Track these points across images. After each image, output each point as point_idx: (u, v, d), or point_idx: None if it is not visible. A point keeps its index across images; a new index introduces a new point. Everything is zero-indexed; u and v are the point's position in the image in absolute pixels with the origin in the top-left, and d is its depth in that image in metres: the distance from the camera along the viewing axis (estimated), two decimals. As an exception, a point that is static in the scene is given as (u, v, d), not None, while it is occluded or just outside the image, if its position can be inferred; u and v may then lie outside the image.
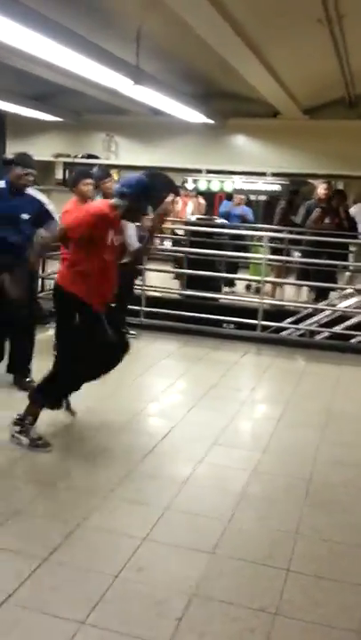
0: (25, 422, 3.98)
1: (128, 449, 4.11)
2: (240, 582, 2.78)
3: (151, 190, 3.87)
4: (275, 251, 8.81)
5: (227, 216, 10.64)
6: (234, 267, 10.71)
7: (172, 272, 11.16)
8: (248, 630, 2.47)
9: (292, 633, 2.47)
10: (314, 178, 14.02)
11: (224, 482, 3.78)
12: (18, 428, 3.98)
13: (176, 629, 2.44)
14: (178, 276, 11.20)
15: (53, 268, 8.67)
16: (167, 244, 11.97)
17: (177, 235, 10.99)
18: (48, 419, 4.50)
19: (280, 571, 2.86)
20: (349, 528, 3.28)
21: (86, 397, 5.04)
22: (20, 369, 5.11)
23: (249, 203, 11.47)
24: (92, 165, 9.61)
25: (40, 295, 8.28)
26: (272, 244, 8.45)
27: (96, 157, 10.22)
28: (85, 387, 5.35)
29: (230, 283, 10.94)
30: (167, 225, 11.05)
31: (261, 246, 8.26)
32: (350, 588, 2.77)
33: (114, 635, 2.40)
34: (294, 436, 4.54)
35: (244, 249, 10.01)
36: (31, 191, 4.80)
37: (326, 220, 8.73)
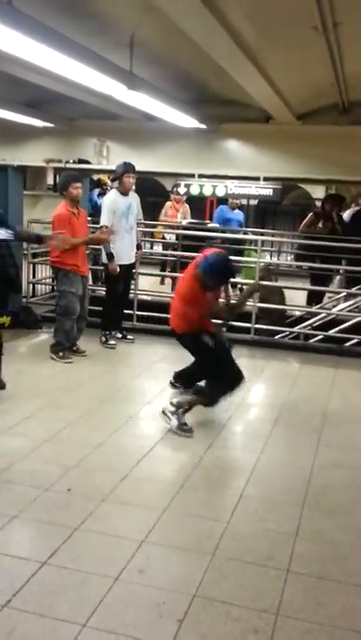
0: (181, 409, 4.46)
1: (124, 452, 4.10)
2: (241, 583, 2.77)
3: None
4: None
5: (224, 221, 10.69)
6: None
7: (160, 275, 11.22)
8: (251, 631, 2.46)
9: (295, 633, 2.46)
10: (306, 183, 14.13)
11: (222, 484, 3.78)
12: (173, 409, 4.45)
13: (178, 631, 2.43)
14: (163, 281, 11.27)
15: (44, 273, 8.69)
16: (157, 249, 12.05)
17: (165, 239, 11.05)
18: (43, 424, 4.50)
19: (280, 572, 2.86)
20: (351, 530, 3.28)
21: (84, 399, 5.05)
22: None
23: (241, 207, 11.55)
24: (83, 170, 9.64)
25: (32, 300, 8.28)
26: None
27: (88, 162, 10.21)
28: (80, 390, 5.37)
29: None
30: (160, 229, 11.13)
31: (255, 251, 8.27)
32: (354, 590, 2.76)
33: (115, 637, 2.38)
34: (291, 439, 4.55)
35: (238, 253, 10.03)
36: None
37: (319, 225, 8.76)
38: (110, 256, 6.62)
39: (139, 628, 2.44)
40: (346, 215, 9.77)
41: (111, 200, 6.76)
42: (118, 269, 6.66)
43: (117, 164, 6.86)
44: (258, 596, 2.68)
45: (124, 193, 6.77)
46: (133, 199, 6.96)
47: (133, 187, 7.06)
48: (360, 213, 9.34)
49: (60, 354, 6.12)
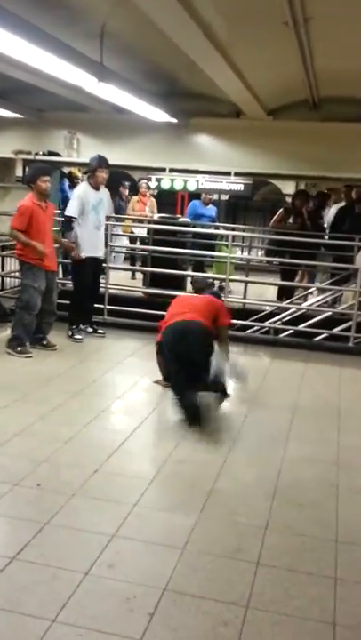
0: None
1: (94, 446, 4.08)
2: (211, 576, 2.78)
3: None
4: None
5: (196, 216, 10.68)
6: (200, 265, 10.75)
7: (130, 270, 11.18)
8: (221, 624, 2.46)
9: (264, 625, 2.48)
10: (276, 178, 14.21)
11: (192, 478, 3.77)
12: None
13: (148, 625, 2.43)
14: (134, 276, 11.24)
15: (13, 266, 8.59)
16: (126, 242, 12.01)
17: (133, 233, 11.02)
18: (13, 418, 4.45)
19: (250, 564, 2.87)
20: (320, 523, 3.31)
21: (54, 394, 5.00)
22: None
23: (213, 202, 11.58)
24: (53, 162, 9.56)
25: (0, 294, 8.18)
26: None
27: (58, 155, 10.12)
28: (51, 384, 5.32)
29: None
30: (128, 224, 11.09)
31: (226, 245, 8.29)
32: (323, 581, 2.79)
33: (85, 632, 2.37)
34: (261, 433, 4.57)
35: (210, 248, 10.06)
36: None
37: (290, 221, 8.83)
38: (76, 244, 6.58)
39: (109, 623, 2.42)
40: (332, 211, 9.84)
41: (82, 191, 6.69)
42: (83, 256, 6.61)
43: (91, 156, 6.78)
44: (228, 588, 2.69)
45: (96, 187, 6.70)
46: (104, 194, 6.90)
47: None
48: (345, 209, 9.41)
49: (19, 348, 6.01)
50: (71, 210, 6.58)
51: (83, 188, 6.77)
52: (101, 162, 6.67)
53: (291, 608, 2.59)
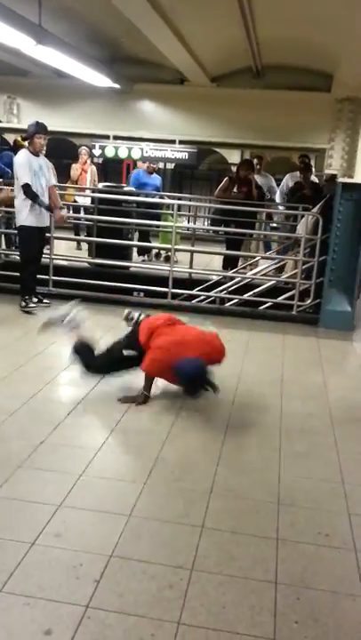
0: None
1: (40, 418, 4.06)
2: (157, 542, 2.83)
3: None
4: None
5: (139, 185, 10.56)
6: (146, 235, 10.70)
7: (75, 240, 11.02)
8: (167, 587, 2.52)
9: (209, 586, 2.55)
10: (220, 147, 14.18)
11: (138, 447, 3.81)
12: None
13: (95, 591, 2.46)
14: (79, 246, 11.09)
15: None
16: (71, 213, 11.81)
17: (76, 202, 10.84)
18: None
19: (195, 528, 2.94)
20: (263, 485, 3.40)
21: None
22: None
23: (158, 171, 11.46)
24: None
25: None
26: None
27: (-2, 121, 9.84)
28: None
29: (145, 251, 10.95)
30: (71, 192, 10.90)
31: (171, 215, 8.25)
32: (265, 542, 2.88)
33: (32, 600, 2.38)
34: (206, 401, 4.61)
35: (155, 217, 10.00)
36: None
37: (234, 190, 8.84)
38: (47, 208, 6.54)
39: (56, 591, 2.45)
40: (286, 179, 9.89)
41: (25, 159, 6.53)
42: (27, 223, 6.53)
43: (29, 122, 6.62)
44: (173, 553, 2.74)
45: (35, 153, 6.56)
46: (44, 162, 6.75)
47: (45, 149, 6.84)
48: (295, 190, 9.47)
49: None
50: (25, 178, 6.47)
51: (24, 154, 6.62)
52: (39, 128, 6.53)
53: (234, 569, 2.67)
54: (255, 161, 10.27)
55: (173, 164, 14.34)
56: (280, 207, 9.98)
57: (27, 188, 6.49)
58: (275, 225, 10.35)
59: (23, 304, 6.68)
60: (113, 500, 3.16)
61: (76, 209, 11.25)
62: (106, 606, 2.39)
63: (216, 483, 3.38)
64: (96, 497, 3.17)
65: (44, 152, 6.72)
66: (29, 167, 6.46)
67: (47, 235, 7.23)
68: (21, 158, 6.60)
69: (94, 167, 11.44)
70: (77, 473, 3.36)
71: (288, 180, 9.87)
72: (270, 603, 2.48)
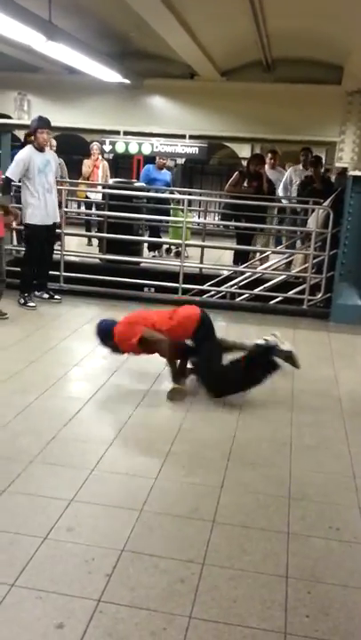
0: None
1: (52, 413, 4.08)
2: (168, 536, 2.84)
3: None
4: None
5: (150, 181, 10.55)
6: (156, 231, 10.69)
7: (86, 236, 11.04)
8: (178, 581, 2.53)
9: (220, 580, 2.56)
10: (231, 141, 14.13)
11: (149, 441, 3.83)
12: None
13: (107, 585, 2.48)
14: (90, 242, 11.11)
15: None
16: (83, 209, 11.82)
17: (89, 198, 10.84)
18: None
19: (206, 523, 2.95)
20: (272, 480, 3.41)
21: (9, 362, 4.97)
22: None
23: (167, 166, 11.46)
24: (3, 125, 9.28)
25: None
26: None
27: (8, 117, 9.84)
28: (5, 352, 5.28)
29: (156, 247, 10.96)
30: (83, 189, 10.91)
31: (182, 210, 8.25)
32: (276, 536, 2.88)
33: (44, 594, 2.41)
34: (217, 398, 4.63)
35: (165, 213, 10.00)
36: None
37: (245, 185, 8.82)
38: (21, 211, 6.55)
39: (68, 585, 2.47)
40: (289, 172, 9.86)
41: (25, 155, 6.52)
42: (31, 223, 6.53)
43: (32, 118, 6.61)
44: (184, 547, 2.76)
45: (40, 149, 6.55)
46: (51, 157, 6.75)
47: (55, 145, 6.84)
48: (305, 184, 9.43)
49: None
50: (9, 172, 6.47)
51: (26, 151, 6.60)
52: (41, 122, 6.53)
53: (245, 563, 2.68)
54: (269, 156, 10.23)
55: (184, 159, 14.33)
56: (283, 201, 9.95)
57: (5, 181, 6.49)
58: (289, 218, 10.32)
59: (22, 301, 6.70)
60: (124, 494, 3.18)
61: (88, 205, 11.26)
62: (117, 600, 2.40)
63: (227, 477, 3.39)
64: (108, 492, 3.19)
65: (53, 148, 6.72)
66: (27, 165, 6.44)
67: (58, 231, 7.25)
68: (22, 153, 6.57)
69: (106, 163, 11.44)
70: (89, 468, 3.38)
71: (291, 174, 9.84)
72: (281, 597, 2.49)
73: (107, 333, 4.67)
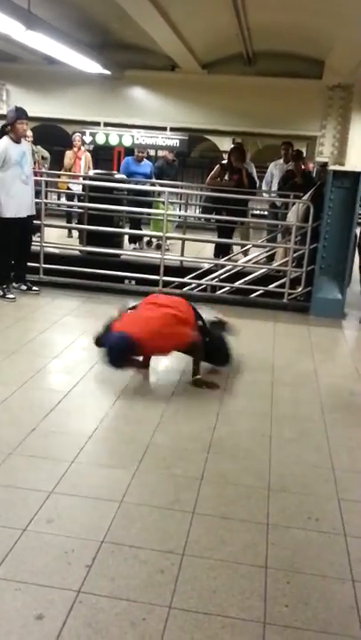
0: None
1: (31, 405, 4.06)
2: (148, 527, 2.85)
3: None
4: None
5: (129, 174, 10.49)
6: (137, 223, 10.64)
7: (66, 227, 10.96)
8: (158, 572, 2.54)
9: (199, 571, 2.57)
10: (211, 134, 14.13)
11: (130, 434, 3.82)
12: None
13: (87, 576, 2.48)
14: (71, 233, 11.03)
15: None
16: (63, 200, 11.73)
17: (70, 189, 10.76)
18: None
19: (186, 514, 2.95)
20: (253, 472, 3.43)
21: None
22: None
23: (148, 157, 11.40)
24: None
25: None
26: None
27: (-13, 107, 9.75)
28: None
29: (136, 239, 10.91)
30: (64, 180, 10.82)
31: (163, 202, 8.23)
32: (256, 527, 2.90)
33: (23, 586, 2.40)
34: (197, 388, 4.63)
35: (146, 205, 9.96)
36: None
37: (225, 177, 8.82)
38: None
39: (47, 576, 2.46)
40: (271, 167, 9.87)
41: (2, 147, 6.43)
42: (8, 216, 6.45)
43: (8, 109, 6.52)
44: (164, 538, 2.76)
45: (17, 140, 6.48)
46: (27, 147, 6.67)
47: (31, 136, 6.76)
48: (286, 178, 9.44)
49: None
50: None
51: (3, 143, 6.50)
52: (19, 113, 6.44)
53: (225, 554, 2.69)
54: (282, 147, 10.02)
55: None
56: (264, 195, 9.98)
57: None
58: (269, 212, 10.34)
59: (0, 293, 6.63)
60: (104, 486, 3.18)
61: (69, 197, 11.17)
62: (97, 591, 2.40)
63: (207, 469, 3.40)
64: (88, 483, 3.18)
65: (30, 139, 6.65)
66: (5, 157, 6.36)
67: (37, 222, 7.19)
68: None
69: (88, 154, 11.34)
70: (69, 460, 3.37)
71: (273, 169, 9.85)
72: (261, 587, 2.51)
73: (125, 347, 4.33)
